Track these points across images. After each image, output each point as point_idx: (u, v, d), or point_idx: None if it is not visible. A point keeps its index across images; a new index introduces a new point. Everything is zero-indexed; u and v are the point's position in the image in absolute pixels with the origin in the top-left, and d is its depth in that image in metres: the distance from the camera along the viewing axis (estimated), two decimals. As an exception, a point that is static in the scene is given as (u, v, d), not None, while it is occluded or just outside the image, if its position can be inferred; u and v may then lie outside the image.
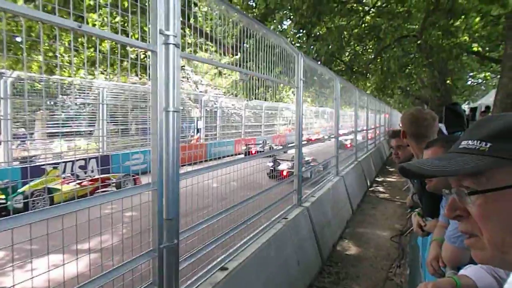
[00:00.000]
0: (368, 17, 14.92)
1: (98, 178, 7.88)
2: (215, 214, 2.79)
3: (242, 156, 4.12)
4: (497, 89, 5.87)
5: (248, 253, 3.11)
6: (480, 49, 15.23)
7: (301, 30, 12.76)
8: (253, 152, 15.26)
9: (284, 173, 8.46)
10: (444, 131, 6.07)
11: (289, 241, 3.95)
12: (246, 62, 3.41)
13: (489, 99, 13.17)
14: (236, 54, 3.93)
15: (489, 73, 21.27)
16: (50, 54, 9.08)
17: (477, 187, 0.66)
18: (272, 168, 8.35)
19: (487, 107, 10.68)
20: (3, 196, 6.89)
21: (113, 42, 1.90)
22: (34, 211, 1.50)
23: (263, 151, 13.59)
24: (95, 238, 1.91)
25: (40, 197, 7.01)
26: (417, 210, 2.68)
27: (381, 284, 4.29)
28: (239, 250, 3.12)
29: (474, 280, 1.33)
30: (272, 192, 3.94)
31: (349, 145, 11.13)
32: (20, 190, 7.04)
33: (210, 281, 2.59)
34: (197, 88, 24.64)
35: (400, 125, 2.52)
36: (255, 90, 4.10)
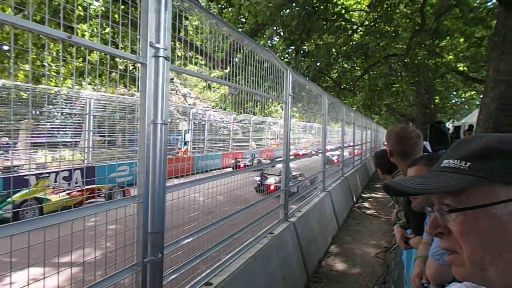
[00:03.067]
0: (356, 35, 15.24)
1: (88, 188, 7.79)
2: (201, 229, 2.76)
3: (230, 169, 4.14)
4: (480, 108, 6.01)
5: (233, 268, 3.08)
6: (465, 69, 15.63)
7: (290, 46, 12.94)
8: (242, 166, 15.50)
9: (272, 187, 8.45)
10: (429, 148, 6.16)
11: (275, 256, 3.92)
12: (235, 76, 3.43)
13: (472, 118, 13.46)
14: (226, 68, 3.96)
15: (474, 91, 21.78)
16: (38, 63, 8.99)
17: (457, 205, 0.67)
18: (259, 183, 8.38)
19: (471, 126, 10.90)
20: None
21: (102, 53, 1.89)
22: (14, 223, 1.47)
23: (251, 165, 13.58)
24: (78, 251, 1.87)
25: (29, 207, 6.82)
26: (399, 222, 2.69)
27: (366, 300, 4.27)
28: (224, 265, 3.08)
29: None
30: (259, 206, 3.92)
31: (336, 161, 11.22)
32: (9, 200, 6.86)
33: (194, 296, 2.55)
34: (186, 101, 24.62)
35: (385, 143, 2.53)
36: (244, 104, 4.12)
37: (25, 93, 9.68)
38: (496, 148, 0.66)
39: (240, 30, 7.81)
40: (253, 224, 3.76)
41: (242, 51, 3.48)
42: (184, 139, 17.40)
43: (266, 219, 4.17)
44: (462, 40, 13.67)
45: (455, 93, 24.32)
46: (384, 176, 3.21)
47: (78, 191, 8.15)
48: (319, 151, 7.71)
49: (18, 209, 6.42)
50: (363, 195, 11.56)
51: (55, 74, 8.35)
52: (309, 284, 4.59)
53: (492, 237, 0.64)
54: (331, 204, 7.13)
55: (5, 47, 8.18)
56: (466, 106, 28.32)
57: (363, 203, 10.26)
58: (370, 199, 10.96)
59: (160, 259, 2.12)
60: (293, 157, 6.09)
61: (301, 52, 13.47)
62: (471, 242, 0.66)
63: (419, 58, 14.39)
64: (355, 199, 10.08)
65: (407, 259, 2.75)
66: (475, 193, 0.65)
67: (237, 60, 3.48)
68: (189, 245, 2.66)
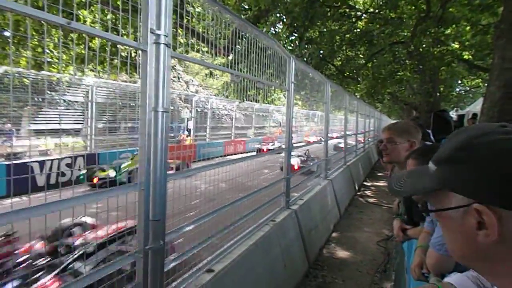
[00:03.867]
0: (360, 23, 15.04)
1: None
2: (203, 216, 2.77)
3: (238, 156, 4.27)
4: (484, 97, 5.95)
5: (234, 256, 3.10)
6: (470, 57, 15.44)
7: (293, 34, 12.81)
8: (265, 150, 17.43)
9: (296, 167, 9.28)
10: (431, 137, 6.12)
11: (276, 243, 3.94)
12: (238, 63, 3.40)
13: (476, 106, 13.36)
14: (228, 55, 3.92)
15: (479, 80, 21.54)
16: (39, 49, 8.94)
17: (432, 205, 0.74)
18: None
19: (474, 114, 10.81)
20: (114, 174, 9.20)
21: (103, 40, 1.87)
22: (16, 210, 1.47)
23: (272, 150, 14.30)
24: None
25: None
26: (400, 216, 2.69)
27: (366, 288, 4.31)
28: (226, 252, 3.10)
29: (455, 286, 1.33)
30: (261, 194, 3.94)
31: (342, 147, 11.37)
32: (124, 169, 9.58)
33: (196, 283, 2.57)
34: (188, 89, 24.54)
35: (396, 141, 2.33)
36: (247, 92, 4.10)
37: (28, 79, 9.66)
38: (451, 155, 0.71)
39: (243, 17, 7.71)
40: (255, 212, 3.78)
41: (244, 38, 3.45)
42: (187, 126, 17.40)
43: (267, 207, 4.18)
44: (467, 28, 13.46)
45: (460, 81, 24.10)
46: (386, 164, 3.19)
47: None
48: (322, 140, 7.70)
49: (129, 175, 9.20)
50: (365, 183, 11.57)
51: (56, 60, 8.31)
52: (310, 272, 4.63)
53: (456, 236, 0.71)
54: (333, 192, 7.14)
55: (6, 33, 8.14)
56: (471, 95, 28.08)
57: (365, 192, 10.28)
58: (373, 188, 10.97)
59: (162, 246, 2.13)
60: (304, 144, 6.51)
61: (305, 39, 13.33)
62: (449, 238, 0.74)
63: (424, 46, 14.20)
64: (357, 188, 10.09)
65: (408, 248, 2.76)
66: (440, 196, 0.72)
67: (239, 48, 3.45)
68: (191, 232, 2.67)
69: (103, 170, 9.31)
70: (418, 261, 1.90)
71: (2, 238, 2.78)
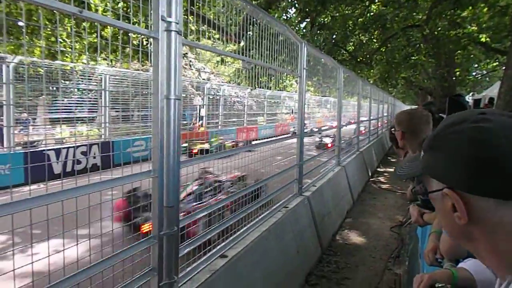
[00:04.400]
0: (373, 6, 14.73)
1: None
2: (216, 203, 2.80)
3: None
4: (501, 81, 5.80)
5: (247, 242, 3.13)
6: (488, 39, 15.02)
7: (305, 19, 12.64)
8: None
9: (329, 145, 11.29)
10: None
11: (289, 230, 3.97)
12: (249, 50, 3.38)
13: (493, 90, 13.04)
14: (239, 42, 3.90)
15: (497, 63, 20.96)
16: (52, 39, 9.03)
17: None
18: (320, 142, 13.22)
19: (491, 99, 10.57)
20: (208, 146, 10.25)
21: (115, 28, 1.88)
22: (34, 197, 1.51)
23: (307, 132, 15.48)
24: (95, 224, 1.92)
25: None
26: (417, 202, 2.67)
27: (380, 274, 4.32)
28: (239, 238, 3.14)
29: (472, 273, 1.32)
30: (274, 180, 3.95)
31: (363, 131, 11.61)
32: (214, 143, 11.65)
33: (210, 268, 2.61)
34: (200, 76, 24.53)
35: (395, 128, 2.49)
36: (258, 79, 4.08)
37: (42, 69, 9.78)
38: (430, 143, 0.77)
39: (254, 3, 7.63)
40: (268, 198, 3.80)
41: (256, 24, 3.41)
42: (199, 114, 17.45)
43: (280, 193, 4.20)
44: (485, 9, 13.06)
45: (476, 65, 23.51)
46: (398, 150, 3.16)
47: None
48: (343, 124, 7.65)
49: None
50: (378, 169, 11.50)
51: (69, 49, 8.39)
52: (323, 257, 4.66)
53: (443, 217, 0.77)
54: (346, 179, 7.12)
55: (20, 23, 8.22)
56: (487, 79, 27.40)
57: (378, 178, 10.22)
58: (386, 174, 10.90)
59: (176, 232, 2.16)
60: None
61: (317, 24, 13.14)
62: (438, 217, 0.84)
63: (440, 29, 13.86)
64: (370, 174, 10.04)
65: (421, 233, 2.75)
66: (427, 180, 0.79)
67: (251, 34, 3.42)
68: (205, 218, 2.71)
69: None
70: (432, 246, 1.89)
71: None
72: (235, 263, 2.80)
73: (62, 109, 10.99)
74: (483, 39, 15.20)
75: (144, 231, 2.50)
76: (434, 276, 1.40)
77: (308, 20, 12.77)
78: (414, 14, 14.32)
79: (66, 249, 1.70)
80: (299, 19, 12.57)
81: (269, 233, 3.48)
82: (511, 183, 0.63)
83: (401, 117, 2.48)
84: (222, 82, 22.95)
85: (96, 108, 12.35)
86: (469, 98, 18.42)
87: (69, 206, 1.71)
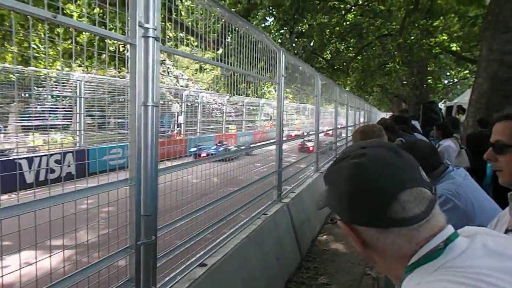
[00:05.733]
0: (350, 15, 15.06)
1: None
2: (194, 211, 2.77)
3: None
4: (472, 88, 6.01)
5: (227, 249, 3.10)
6: (458, 48, 15.58)
7: (283, 27, 12.79)
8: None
9: (311, 148, 10.92)
10: (418, 127, 6.18)
11: (269, 237, 3.96)
12: (228, 57, 3.38)
13: (464, 98, 13.49)
14: (218, 49, 3.90)
15: (467, 71, 21.73)
16: (25, 44, 8.78)
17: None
18: (302, 145, 13.54)
19: (459, 106, 10.87)
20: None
21: (91, 34, 1.84)
22: (5, 207, 1.45)
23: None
24: (70, 234, 1.86)
25: None
26: None
27: (358, 278, 4.35)
28: (219, 246, 3.11)
29: None
30: (252, 188, 3.94)
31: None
32: None
33: (189, 277, 2.57)
34: (178, 83, 24.38)
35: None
36: (237, 86, 4.08)
37: (14, 75, 9.49)
38: (324, 177, 0.84)
39: (233, 10, 7.66)
40: (247, 206, 3.78)
41: (235, 32, 3.42)
42: (177, 121, 17.30)
43: (259, 200, 4.19)
44: (455, 19, 13.57)
45: (448, 73, 24.31)
46: None
47: None
48: (312, 133, 7.72)
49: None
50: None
51: (43, 55, 8.18)
52: (302, 264, 4.66)
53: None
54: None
55: (-9, 28, 7.98)
56: (459, 86, 28.34)
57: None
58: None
59: (154, 241, 2.12)
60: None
61: (295, 32, 13.32)
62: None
63: (413, 38, 14.31)
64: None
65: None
66: None
67: (229, 40, 3.43)
68: (183, 227, 2.67)
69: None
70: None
71: None
72: (214, 272, 2.77)
73: (35, 116, 10.68)
74: (454, 48, 15.75)
75: None
76: None
77: (286, 28, 12.92)
78: (389, 23, 14.72)
79: (39, 260, 1.65)
80: (278, 27, 12.71)
81: (249, 240, 3.46)
82: (382, 213, 0.69)
83: (356, 137, 2.67)
84: (200, 89, 22.86)
85: (71, 115, 12.06)
86: (441, 105, 19.01)
87: (42, 216, 1.65)
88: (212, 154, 4.47)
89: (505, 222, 1.28)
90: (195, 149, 6.47)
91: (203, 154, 5.98)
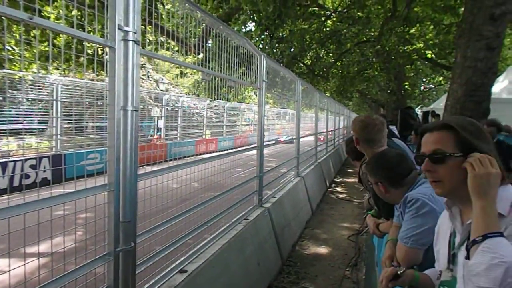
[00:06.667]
0: (329, 22, 15.28)
1: None
2: (174, 216, 2.74)
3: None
4: (447, 94, 6.18)
5: (208, 255, 3.08)
6: (433, 55, 16.01)
7: (264, 32, 12.87)
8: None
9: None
10: (396, 132, 6.29)
11: (250, 242, 3.95)
12: (209, 62, 3.37)
13: (440, 103, 13.85)
14: (199, 54, 3.88)
15: (442, 78, 22.34)
16: (0, 46, 8.54)
17: None
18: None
19: (433, 112, 11.14)
20: None
21: (69, 37, 1.80)
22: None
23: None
24: (46, 241, 1.81)
25: None
26: (370, 211, 2.76)
27: (338, 282, 4.39)
28: (199, 252, 3.08)
29: (432, 279, 1.43)
30: (233, 193, 3.93)
31: (322, 139, 12.08)
32: None
33: (169, 284, 2.53)
34: (158, 87, 24.14)
35: (352, 132, 2.62)
36: (218, 90, 4.08)
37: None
38: None
39: (214, 15, 7.66)
40: (228, 211, 3.76)
41: (216, 36, 3.42)
42: (157, 125, 17.11)
43: (240, 205, 4.18)
44: (431, 27, 13.96)
45: (424, 79, 24.95)
46: (355, 162, 3.26)
47: None
48: (293, 138, 7.77)
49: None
50: (336, 179, 11.78)
51: (18, 58, 7.97)
52: (283, 268, 4.67)
53: None
54: (305, 189, 7.22)
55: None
56: (434, 92, 29.09)
57: (336, 188, 10.47)
58: (343, 184, 11.18)
59: (133, 248, 2.09)
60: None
61: (275, 37, 13.42)
62: None
63: (390, 44, 14.63)
64: (328, 184, 10.26)
65: (378, 242, 2.83)
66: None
67: (210, 45, 3.42)
68: (163, 233, 2.63)
69: None
70: (389, 254, 1.95)
71: None
72: (195, 278, 2.74)
73: (9, 120, 10.36)
74: (429, 55, 16.17)
75: None
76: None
77: (267, 33, 13.00)
78: (367, 30, 15.02)
79: (14, 269, 1.59)
80: (259, 32, 12.77)
81: (230, 246, 3.44)
82: None
83: (356, 124, 2.56)
84: (181, 93, 22.68)
85: (47, 119, 11.76)
86: (418, 111, 19.46)
87: (17, 223, 1.60)
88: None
89: (447, 228, 1.31)
90: None
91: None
